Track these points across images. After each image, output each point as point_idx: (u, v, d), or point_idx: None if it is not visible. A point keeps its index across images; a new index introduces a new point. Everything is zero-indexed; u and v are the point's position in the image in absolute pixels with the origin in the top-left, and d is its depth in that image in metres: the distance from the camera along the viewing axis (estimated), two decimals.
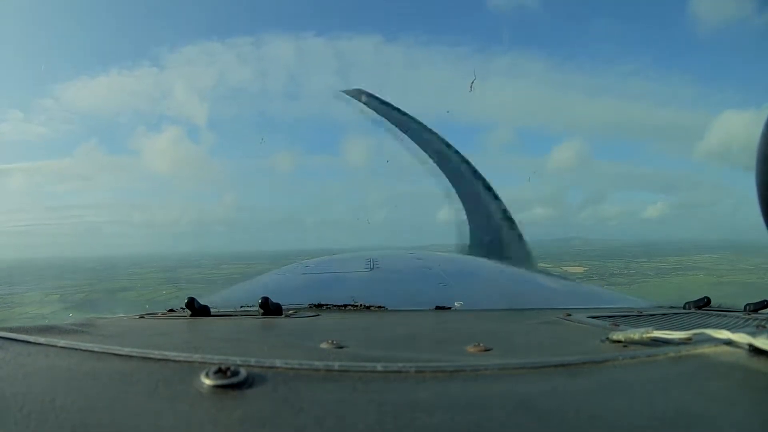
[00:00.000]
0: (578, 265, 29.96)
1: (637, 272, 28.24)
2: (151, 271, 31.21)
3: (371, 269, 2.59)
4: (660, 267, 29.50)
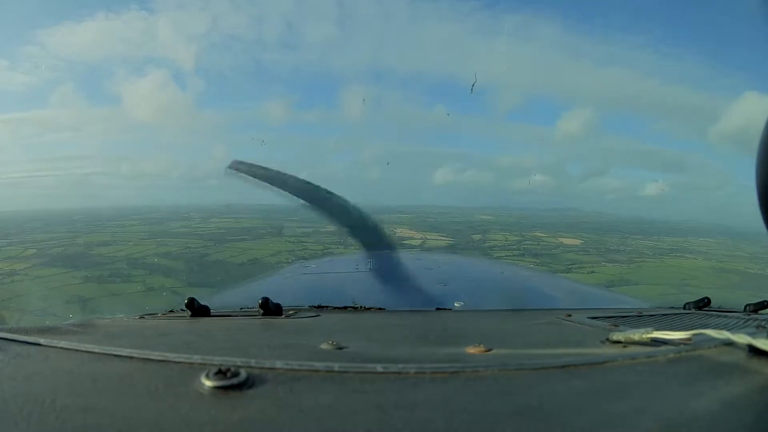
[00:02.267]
0: (574, 237, 29.40)
1: (634, 250, 27.84)
2: (137, 223, 30.24)
3: (371, 270, 2.57)
4: (657, 246, 29.33)
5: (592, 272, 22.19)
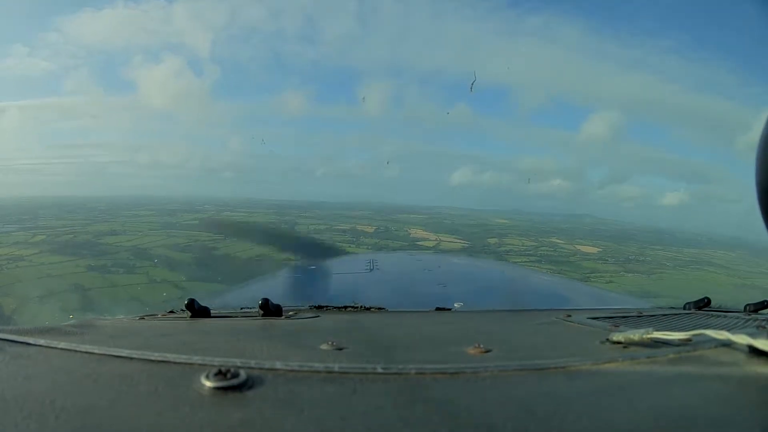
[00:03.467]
0: (592, 245, 28.45)
1: (653, 260, 26.77)
2: (151, 213, 29.90)
3: (371, 270, 2.57)
4: (676, 258, 28.35)
5: (611, 282, 21.28)
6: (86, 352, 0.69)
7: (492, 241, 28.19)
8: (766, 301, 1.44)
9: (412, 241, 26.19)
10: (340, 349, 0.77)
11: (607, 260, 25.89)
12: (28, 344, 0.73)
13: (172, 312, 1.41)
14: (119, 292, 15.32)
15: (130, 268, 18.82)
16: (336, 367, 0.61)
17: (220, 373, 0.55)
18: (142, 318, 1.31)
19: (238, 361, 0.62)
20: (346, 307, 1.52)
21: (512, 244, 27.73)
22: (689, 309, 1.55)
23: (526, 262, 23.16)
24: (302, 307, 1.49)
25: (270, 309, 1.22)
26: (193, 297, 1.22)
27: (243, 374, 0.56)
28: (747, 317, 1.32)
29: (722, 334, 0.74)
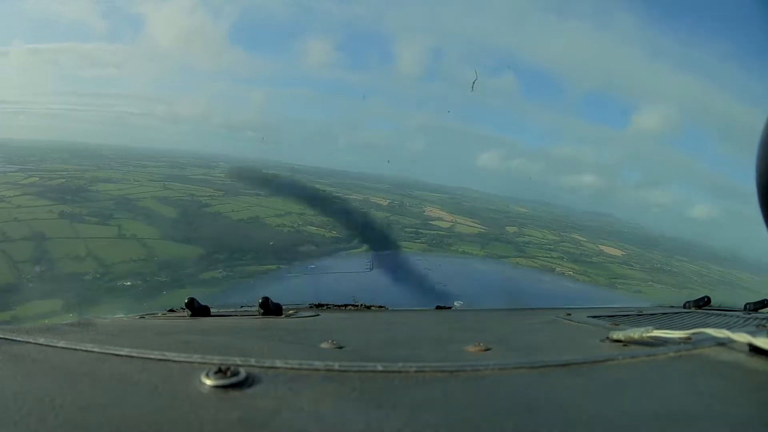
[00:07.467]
0: (615, 247, 25.94)
1: (680, 273, 24.19)
2: (160, 166, 28.20)
3: (371, 269, 2.60)
4: (702, 273, 25.97)
5: (639, 291, 18.71)
6: (86, 351, 0.69)
7: (511, 229, 26.39)
8: (766, 300, 1.43)
9: (425, 219, 24.37)
10: (341, 347, 0.77)
11: (632, 266, 23.65)
12: (28, 343, 0.72)
13: (172, 311, 1.38)
14: (78, 245, 14.17)
15: (105, 217, 17.54)
16: (336, 365, 0.61)
17: (220, 372, 0.55)
18: (141, 317, 1.30)
19: (238, 360, 0.62)
20: (346, 306, 1.50)
21: (532, 235, 26.07)
22: (689, 307, 1.54)
23: (547, 257, 20.89)
24: (302, 306, 1.46)
25: (270, 307, 1.20)
26: (189, 292, 1.24)
27: (243, 372, 0.56)
28: (747, 316, 1.32)
29: (722, 333, 0.73)
